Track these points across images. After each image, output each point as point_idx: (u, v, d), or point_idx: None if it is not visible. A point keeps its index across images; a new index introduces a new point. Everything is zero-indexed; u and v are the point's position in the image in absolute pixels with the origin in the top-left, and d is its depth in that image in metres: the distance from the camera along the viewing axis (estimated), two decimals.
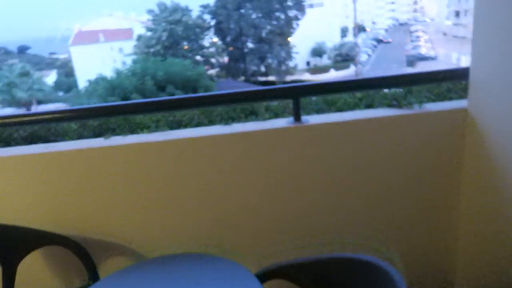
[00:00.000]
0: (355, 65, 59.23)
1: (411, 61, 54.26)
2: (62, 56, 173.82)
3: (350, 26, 73.50)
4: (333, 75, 62.13)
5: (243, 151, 2.38)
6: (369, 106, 2.55)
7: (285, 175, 2.41)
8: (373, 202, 2.49)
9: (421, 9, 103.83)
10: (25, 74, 29.74)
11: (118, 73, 31.05)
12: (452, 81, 2.61)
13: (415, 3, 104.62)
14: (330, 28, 71.95)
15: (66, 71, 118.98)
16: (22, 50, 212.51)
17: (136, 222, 2.49)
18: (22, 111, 29.95)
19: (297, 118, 2.35)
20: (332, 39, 70.37)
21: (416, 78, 2.58)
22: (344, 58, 67.58)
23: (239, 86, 50.86)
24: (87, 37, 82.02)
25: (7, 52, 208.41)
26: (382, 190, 2.47)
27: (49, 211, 2.45)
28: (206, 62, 52.52)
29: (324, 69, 65.27)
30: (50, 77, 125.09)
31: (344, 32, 73.08)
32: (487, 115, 2.18)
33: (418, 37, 70.81)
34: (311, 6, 70.42)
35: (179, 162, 2.39)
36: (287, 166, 2.40)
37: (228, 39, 54.02)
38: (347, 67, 60.70)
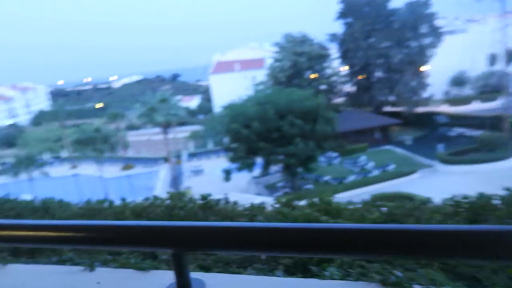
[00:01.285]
0: (505, 96, 51.80)
1: None
2: (205, 83, 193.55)
3: (500, 53, 64.85)
4: (476, 107, 55.40)
5: None
6: None
7: None
8: None
9: None
10: (164, 100, 33.89)
11: (244, 101, 32.95)
12: None
13: None
14: (475, 56, 64.63)
15: (207, 96, 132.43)
16: (174, 77, 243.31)
17: None
18: None
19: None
20: (476, 68, 63.09)
21: None
22: (491, 88, 59.83)
23: (365, 117, 48.98)
24: (225, 67, 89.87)
25: (162, 80, 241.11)
26: None
27: None
28: (331, 91, 52.17)
29: (465, 101, 58.70)
30: (194, 101, 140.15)
31: (492, 60, 64.82)
32: None
33: None
34: (451, 32, 64.60)
35: None
36: None
37: (356, 68, 52.88)
38: (494, 98, 53.55)
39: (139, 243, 1.48)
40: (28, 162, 33.69)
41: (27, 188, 34.84)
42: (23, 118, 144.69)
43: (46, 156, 56.84)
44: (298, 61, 49.73)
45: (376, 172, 34.30)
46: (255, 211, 4.52)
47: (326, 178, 34.20)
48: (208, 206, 4.47)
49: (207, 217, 4.30)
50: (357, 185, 31.77)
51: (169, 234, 1.39)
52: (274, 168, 36.65)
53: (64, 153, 55.99)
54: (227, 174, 31.20)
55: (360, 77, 53.48)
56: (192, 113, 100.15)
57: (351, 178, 33.49)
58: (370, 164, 36.75)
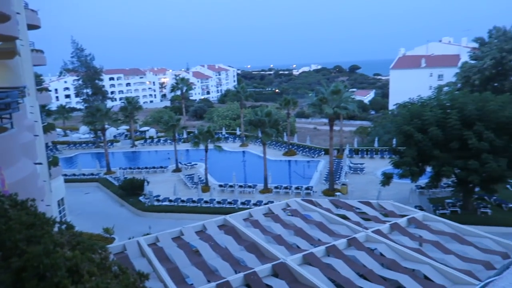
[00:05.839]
0: None
1: None
2: (384, 78, 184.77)
3: None
4: None
5: None
6: None
7: None
8: None
9: None
10: (336, 92, 32.71)
11: (424, 101, 29.19)
12: None
13: None
14: None
15: (384, 92, 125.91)
16: (353, 69, 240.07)
17: None
18: None
19: None
20: None
21: None
22: None
23: None
24: (409, 62, 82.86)
25: (340, 70, 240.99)
26: None
27: None
28: None
29: None
30: (369, 96, 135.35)
31: None
32: None
33: None
34: None
35: None
36: None
37: None
38: None
39: None
40: (207, 135, 37.62)
41: (202, 156, 39.27)
42: (214, 95, 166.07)
43: (224, 131, 63.37)
44: (503, 60, 41.24)
45: None
46: None
47: None
48: None
49: None
50: None
51: None
52: (445, 182, 31.90)
53: (239, 131, 61.17)
54: (387, 178, 28.39)
55: None
56: (364, 107, 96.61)
57: None
58: None
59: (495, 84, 42.31)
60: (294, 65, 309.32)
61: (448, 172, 25.64)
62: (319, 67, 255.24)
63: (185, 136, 59.85)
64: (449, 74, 64.36)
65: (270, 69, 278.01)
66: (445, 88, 42.34)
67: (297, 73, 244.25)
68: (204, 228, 18.83)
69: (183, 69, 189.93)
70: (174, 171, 44.43)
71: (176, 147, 45.35)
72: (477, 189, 27.52)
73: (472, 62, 44.75)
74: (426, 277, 13.79)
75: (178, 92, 69.88)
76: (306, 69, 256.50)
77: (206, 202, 33.00)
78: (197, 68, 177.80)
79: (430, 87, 48.44)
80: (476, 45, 47.02)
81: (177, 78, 72.68)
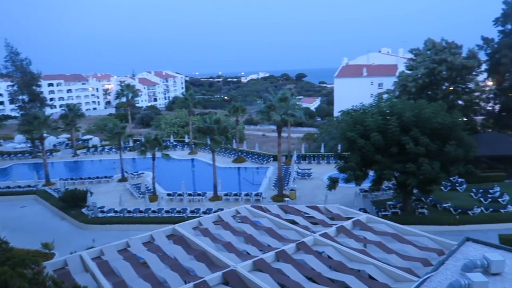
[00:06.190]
0: None
1: None
2: (329, 86, 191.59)
3: None
4: None
5: None
6: None
7: None
8: None
9: None
10: (284, 99, 33.40)
11: (365, 108, 30.54)
12: None
13: None
14: None
15: (329, 99, 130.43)
16: (299, 77, 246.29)
17: None
18: None
19: None
20: None
21: None
22: None
23: (508, 142, 41.59)
24: (352, 71, 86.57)
25: (287, 78, 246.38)
26: None
27: None
28: (469, 108, 45.53)
29: None
30: (315, 103, 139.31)
31: None
32: None
33: None
34: None
35: None
36: None
37: (506, 84, 45.23)
38: None
39: None
40: (155, 143, 36.73)
41: (149, 165, 38.21)
42: (161, 102, 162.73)
43: (172, 139, 62.19)
44: (435, 70, 44.36)
45: (511, 208, 28.77)
46: None
47: (446, 205, 29.91)
48: None
49: None
50: (483, 220, 27.48)
51: None
52: (386, 185, 33.57)
53: (187, 139, 60.35)
54: (333, 183, 29.35)
55: (510, 95, 45.60)
56: (311, 114, 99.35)
57: (478, 210, 28.65)
58: (505, 198, 30.99)
59: (429, 92, 45.42)
60: (243, 73, 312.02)
61: (389, 175, 26.99)
62: (267, 74, 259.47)
63: (131, 144, 58.03)
64: (389, 83, 67.96)
65: (218, 76, 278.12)
66: (385, 96, 44.68)
67: (246, 80, 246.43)
68: (152, 239, 18.33)
69: (128, 76, 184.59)
70: (120, 180, 42.82)
71: (121, 156, 43.81)
72: (415, 191, 29.24)
73: (408, 72, 47.70)
74: (370, 277, 14.41)
75: (124, 99, 67.69)
76: (254, 76, 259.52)
77: (153, 212, 32.09)
78: (143, 74, 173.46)
79: (372, 95, 50.91)
80: (412, 55, 50.19)
81: (122, 84, 70.45)
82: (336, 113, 76.82)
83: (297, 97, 64.21)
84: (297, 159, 47.42)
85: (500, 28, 44.98)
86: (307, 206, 22.17)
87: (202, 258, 16.01)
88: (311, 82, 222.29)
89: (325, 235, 17.44)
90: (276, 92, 39.92)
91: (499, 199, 30.98)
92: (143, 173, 44.93)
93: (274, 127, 48.07)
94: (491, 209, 28.75)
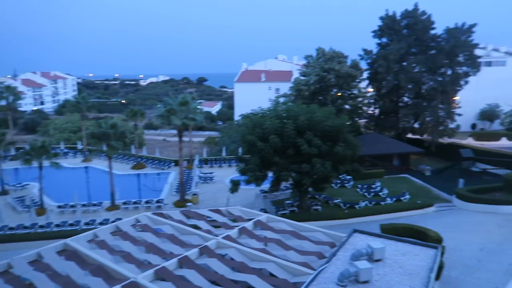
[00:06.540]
0: None
1: None
2: (229, 90, 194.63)
3: None
4: (504, 144, 52.70)
5: None
6: None
7: None
8: None
9: None
10: (184, 103, 33.08)
11: (263, 112, 31.72)
12: None
13: None
14: (510, 91, 62.06)
15: (230, 103, 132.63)
16: (200, 81, 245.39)
17: None
18: None
19: None
20: (509, 103, 60.40)
21: None
22: None
23: (385, 142, 47.05)
24: (251, 76, 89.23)
25: (188, 82, 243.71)
26: None
27: None
28: (354, 112, 50.48)
29: (493, 136, 56.02)
30: (216, 107, 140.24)
31: None
32: None
33: None
34: (488, 64, 62.21)
35: None
36: None
37: (383, 90, 51.15)
38: None
39: None
40: (42, 150, 33.35)
41: (36, 175, 34.51)
42: (49, 106, 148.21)
43: (62, 146, 57.10)
44: (325, 78, 48.30)
45: (389, 201, 32.60)
46: None
47: (337, 201, 32.74)
48: None
49: None
50: (367, 212, 30.47)
51: None
52: (284, 185, 35.34)
53: (80, 145, 56.05)
54: (235, 185, 29.96)
55: (386, 100, 51.68)
56: (212, 118, 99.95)
57: (363, 204, 31.90)
58: (385, 192, 35.07)
59: (320, 97, 49.22)
60: (142, 75, 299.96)
61: (286, 176, 28.48)
62: (167, 78, 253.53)
63: (13, 153, 51.84)
64: (285, 88, 71.65)
65: (115, 79, 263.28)
66: (281, 99, 47.08)
67: (145, 83, 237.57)
68: (39, 257, 16.64)
69: (9, 76, 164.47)
70: (0, 194, 37.99)
71: (1, 166, 38.88)
72: (310, 189, 31.32)
73: (302, 78, 51.07)
74: (271, 274, 15.04)
75: (3, 102, 60.18)
76: (154, 79, 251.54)
77: (41, 226, 29.12)
78: (27, 75, 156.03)
79: (270, 100, 53.13)
80: (306, 62, 53.87)
81: (1, 86, 62.76)
82: (236, 117, 78.40)
83: (198, 101, 64.08)
84: (199, 163, 47.29)
85: (377, 40, 50.85)
86: (209, 210, 22.25)
87: (99, 272, 15.04)
88: (212, 86, 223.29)
89: (227, 238, 17.71)
90: (176, 96, 39.30)
91: (380, 193, 34.89)
92: (28, 185, 40.43)
93: (175, 132, 47.22)
94: (373, 202, 32.20)
